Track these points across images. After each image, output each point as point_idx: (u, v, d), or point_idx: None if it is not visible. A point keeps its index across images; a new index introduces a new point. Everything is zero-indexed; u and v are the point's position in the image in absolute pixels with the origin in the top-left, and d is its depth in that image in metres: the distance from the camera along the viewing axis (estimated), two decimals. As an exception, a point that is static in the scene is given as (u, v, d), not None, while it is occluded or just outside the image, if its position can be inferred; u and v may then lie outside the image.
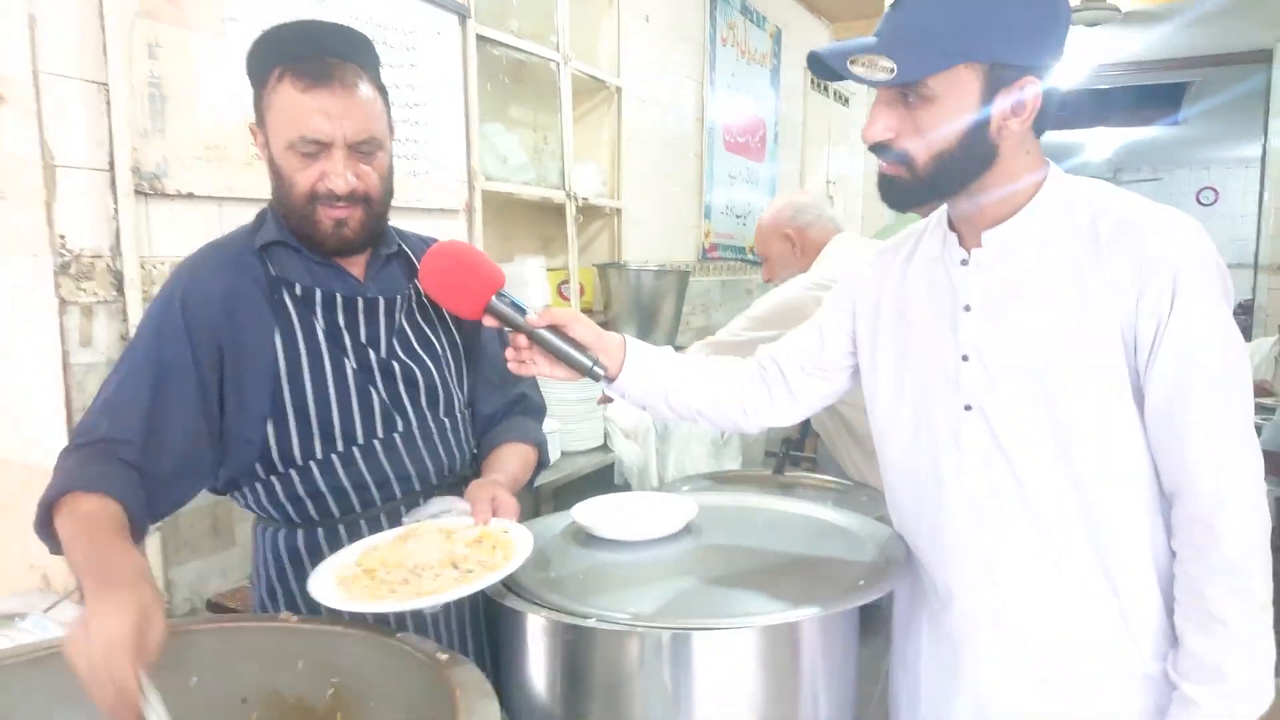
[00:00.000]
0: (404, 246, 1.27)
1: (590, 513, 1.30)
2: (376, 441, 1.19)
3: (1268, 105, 5.75)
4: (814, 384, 1.25)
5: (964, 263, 1.05)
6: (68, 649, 0.79)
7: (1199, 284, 0.92)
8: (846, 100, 5.65)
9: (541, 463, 1.37)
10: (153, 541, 1.69)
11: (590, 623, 0.97)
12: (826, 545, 1.22)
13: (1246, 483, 0.93)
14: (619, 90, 3.23)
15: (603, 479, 2.58)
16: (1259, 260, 5.94)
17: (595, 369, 1.16)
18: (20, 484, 1.62)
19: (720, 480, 2.15)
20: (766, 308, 2.23)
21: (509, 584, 1.05)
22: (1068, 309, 0.97)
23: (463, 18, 2.43)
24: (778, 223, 2.35)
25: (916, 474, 1.12)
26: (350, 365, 1.17)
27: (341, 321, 1.18)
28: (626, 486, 2.60)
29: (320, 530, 1.19)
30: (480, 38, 2.51)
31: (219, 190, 1.77)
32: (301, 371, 1.14)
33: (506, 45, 2.66)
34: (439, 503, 1.17)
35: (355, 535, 1.18)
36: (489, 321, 1.14)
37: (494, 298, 1.12)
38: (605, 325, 1.28)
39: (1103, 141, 9.37)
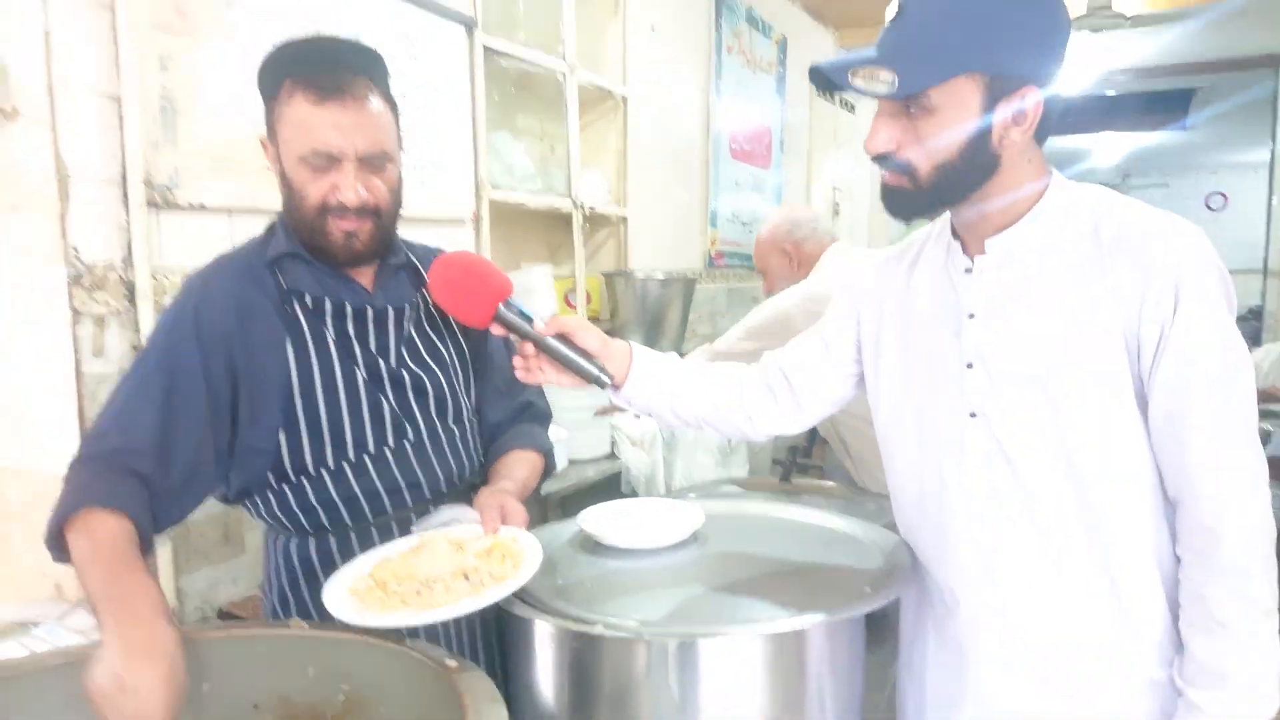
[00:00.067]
0: (412, 257, 1.29)
1: (597, 520, 1.31)
2: (387, 450, 1.20)
3: (1276, 110, 5.74)
4: (818, 392, 1.25)
5: (967, 270, 1.06)
6: (96, 698, 0.81)
7: (1201, 290, 0.93)
8: (852, 107, 5.66)
9: (548, 469, 1.38)
10: (164, 550, 1.71)
11: (597, 630, 0.97)
12: (833, 552, 1.22)
13: (1248, 487, 0.93)
14: (625, 99, 3.25)
15: (610, 487, 2.58)
16: (1268, 265, 5.92)
17: (602, 377, 1.17)
18: (33, 492, 1.63)
19: (727, 488, 2.15)
20: (759, 319, 2.26)
21: (517, 591, 1.06)
22: (1071, 316, 0.98)
23: (470, 29, 2.45)
24: (774, 238, 2.39)
25: (921, 480, 1.13)
26: (361, 375, 1.18)
27: (352, 331, 1.19)
28: (634, 494, 2.60)
29: (332, 538, 1.20)
30: (487, 49, 2.53)
31: (230, 201, 1.79)
32: (314, 381, 1.15)
33: (513, 56, 2.67)
34: (449, 511, 1.18)
35: (367, 543, 1.19)
36: (497, 330, 1.15)
37: (501, 306, 1.13)
38: (611, 333, 1.29)
39: (1111, 147, 9.35)
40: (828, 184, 5.37)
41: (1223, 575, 0.93)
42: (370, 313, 1.20)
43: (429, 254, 1.30)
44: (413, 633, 0.98)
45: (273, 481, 1.17)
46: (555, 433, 1.47)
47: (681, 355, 2.67)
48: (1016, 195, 1.01)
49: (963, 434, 1.06)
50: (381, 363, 1.20)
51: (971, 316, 1.05)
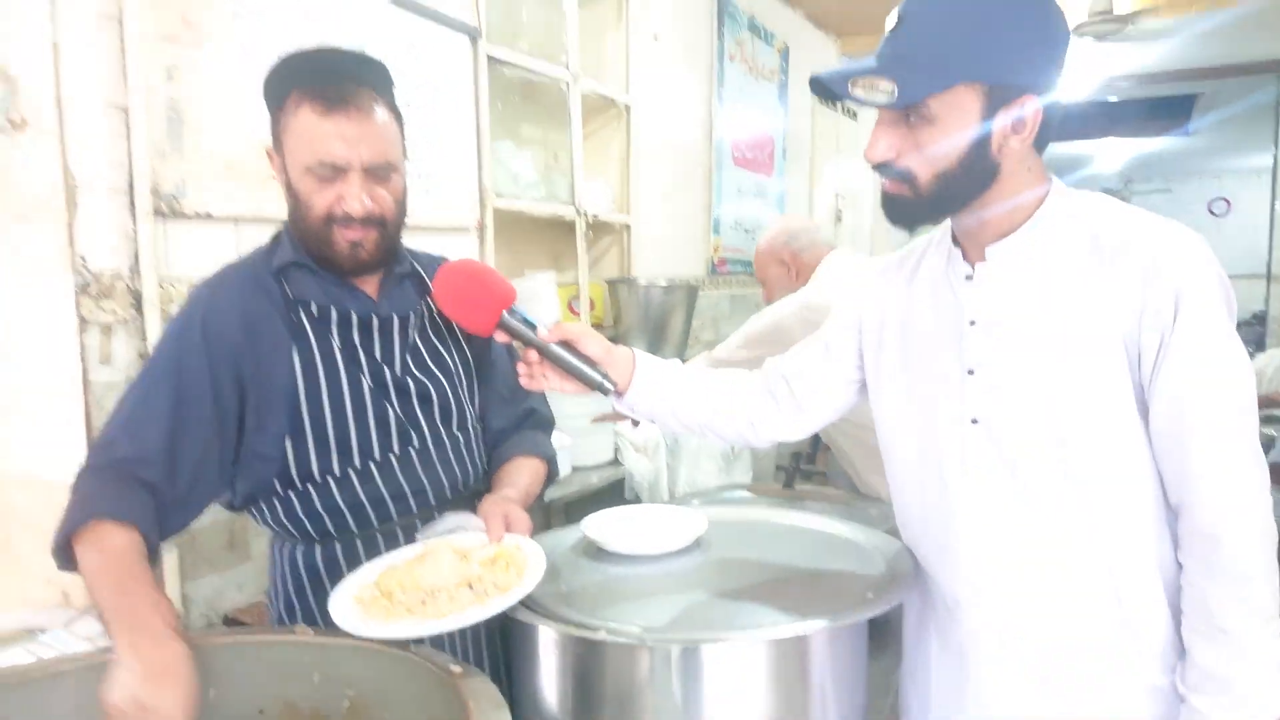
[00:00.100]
0: (416, 265, 1.30)
1: (600, 526, 1.31)
2: (393, 457, 1.21)
3: (1279, 115, 5.73)
4: (820, 399, 1.26)
5: (968, 278, 1.07)
6: (115, 718, 0.84)
7: (1201, 298, 0.93)
8: (855, 114, 5.67)
9: (551, 475, 1.39)
10: (169, 556, 1.71)
11: (601, 636, 0.98)
12: (836, 558, 1.23)
13: (1249, 493, 0.94)
14: (628, 108, 3.26)
15: (614, 493, 2.59)
16: (1271, 270, 5.92)
17: (605, 383, 1.18)
18: (41, 500, 1.64)
19: (730, 494, 2.15)
20: (756, 328, 2.29)
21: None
22: (1071, 323, 0.98)
23: (474, 38, 2.47)
24: (772, 249, 2.42)
25: (923, 487, 1.13)
26: (366, 382, 1.19)
27: (357, 340, 1.20)
28: (637, 500, 2.61)
29: (338, 545, 1.21)
30: (491, 58, 2.54)
31: (236, 210, 1.80)
32: (320, 390, 1.16)
33: (517, 65, 2.69)
34: (453, 519, 1.19)
35: (372, 550, 1.20)
36: (501, 337, 1.16)
37: (505, 313, 1.14)
38: (615, 340, 1.30)
39: (1113, 153, 9.36)
40: (830, 191, 5.38)
41: (1224, 581, 0.94)
42: (375, 321, 1.21)
43: (433, 262, 1.31)
44: (417, 639, 0.99)
45: (279, 488, 1.18)
46: (558, 439, 1.48)
47: (684, 362, 2.68)
48: (1016, 203, 1.02)
49: (964, 440, 1.06)
50: (387, 370, 1.21)
51: (972, 323, 1.06)
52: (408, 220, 1.22)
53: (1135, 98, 6.91)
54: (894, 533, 1.25)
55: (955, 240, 1.10)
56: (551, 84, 2.91)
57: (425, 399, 1.24)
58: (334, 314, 1.18)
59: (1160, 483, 0.99)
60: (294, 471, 1.17)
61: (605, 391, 1.19)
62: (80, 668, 1.00)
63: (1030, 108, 0.96)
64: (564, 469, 2.44)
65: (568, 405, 2.37)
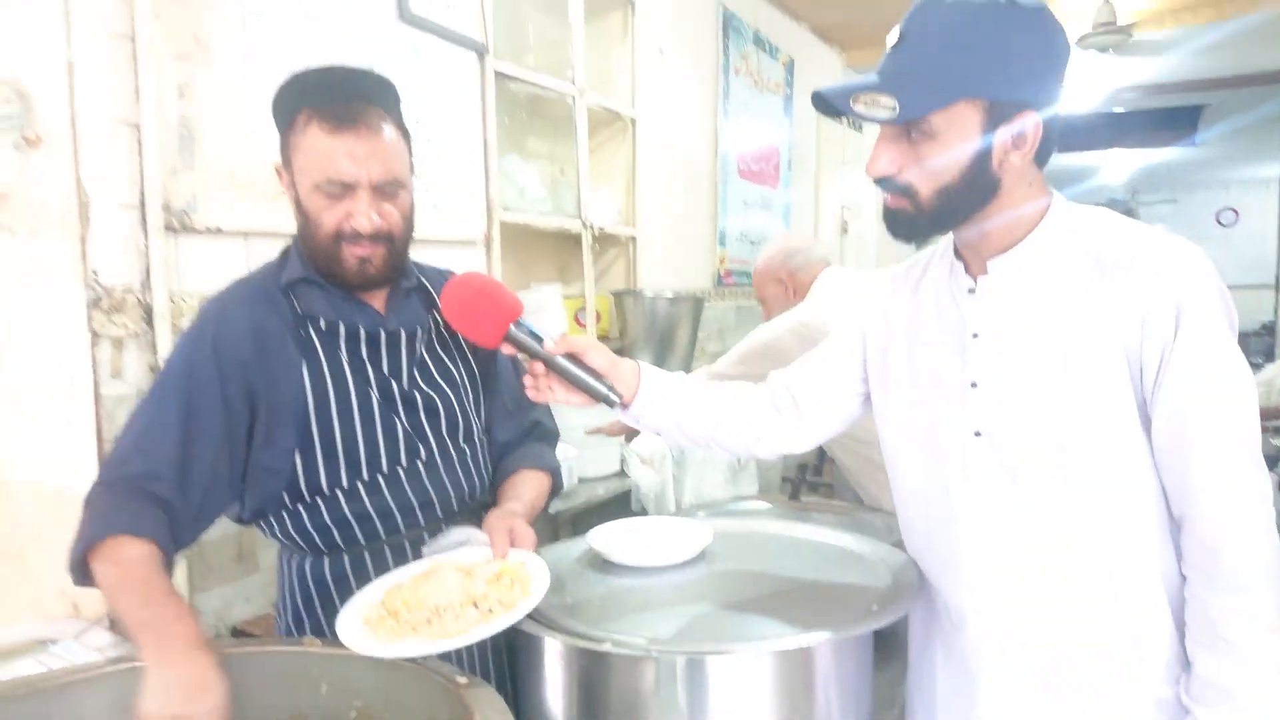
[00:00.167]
0: (423, 279, 1.31)
1: (606, 538, 1.32)
2: (400, 469, 1.22)
3: (1285, 126, 5.73)
4: (825, 410, 1.26)
5: (971, 291, 1.07)
6: None
7: (1202, 311, 0.94)
8: (860, 127, 5.68)
9: (555, 488, 1.40)
10: (179, 568, 1.72)
11: (606, 647, 0.98)
12: (841, 570, 1.23)
13: (1252, 505, 0.94)
14: (633, 121, 3.29)
15: (620, 504, 2.59)
16: (1279, 281, 5.90)
17: (610, 396, 1.18)
18: (51, 512, 1.66)
19: (736, 505, 2.15)
20: (750, 346, 2.32)
21: (526, 609, 1.07)
22: (1073, 336, 0.99)
23: (481, 55, 2.49)
24: (770, 268, 2.46)
25: (927, 498, 1.14)
26: (375, 396, 1.20)
27: (365, 354, 1.21)
28: (644, 512, 2.61)
29: (345, 557, 1.22)
30: (498, 73, 2.57)
31: (246, 225, 1.82)
32: (329, 404, 1.17)
33: (524, 80, 2.72)
34: (459, 533, 1.20)
35: (380, 562, 1.21)
36: (507, 349, 1.17)
37: (512, 326, 1.15)
38: (621, 351, 1.31)
39: (1120, 164, 9.36)
40: (836, 202, 5.39)
41: (1227, 593, 0.94)
42: (383, 336, 1.22)
43: (440, 276, 1.33)
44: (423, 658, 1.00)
45: (287, 502, 1.19)
46: (564, 450, 1.49)
47: (689, 374, 2.69)
48: (1017, 217, 1.03)
49: (967, 452, 1.07)
50: (394, 384, 1.22)
51: (975, 336, 1.06)
52: (416, 234, 1.23)
53: (1142, 109, 6.91)
54: (899, 545, 1.26)
55: (957, 253, 1.10)
56: (558, 98, 2.94)
57: (432, 412, 1.25)
58: (342, 329, 1.19)
59: (1163, 493, 1.00)
60: (303, 485, 1.18)
61: (610, 404, 1.20)
62: (90, 679, 1.01)
63: (1031, 123, 0.97)
64: (570, 481, 2.45)
65: (575, 417, 2.38)
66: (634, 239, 3.34)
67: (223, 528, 1.19)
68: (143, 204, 1.65)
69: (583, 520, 2.37)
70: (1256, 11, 4.28)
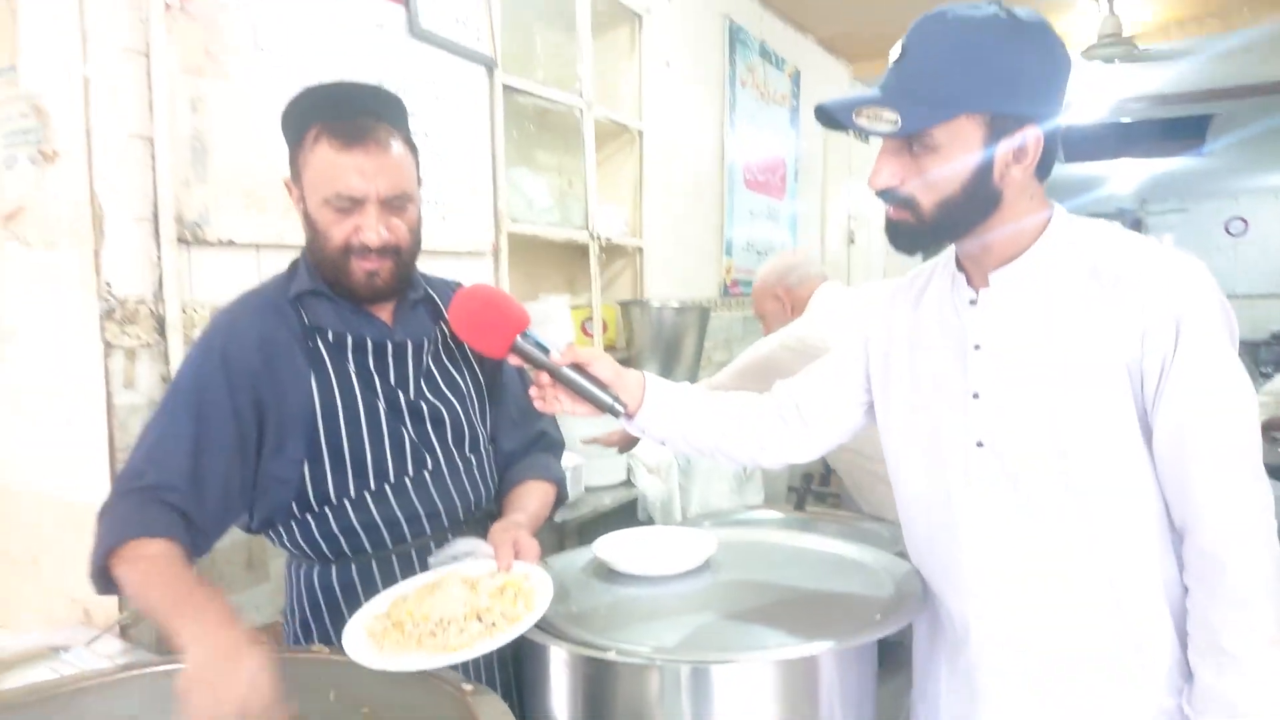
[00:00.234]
0: (430, 291, 1.32)
1: (612, 547, 1.33)
2: (407, 479, 1.23)
3: (1294, 135, 5.72)
4: (829, 421, 1.27)
5: (972, 302, 1.08)
6: (194, 708, 0.86)
7: (1202, 324, 0.95)
8: (866, 138, 5.69)
9: (560, 498, 1.41)
10: (189, 577, 1.74)
11: (611, 656, 0.99)
12: (845, 580, 1.23)
13: (1253, 516, 0.94)
14: (641, 133, 3.31)
15: (626, 514, 2.60)
16: (1290, 291, 5.87)
17: (615, 406, 1.19)
18: (64, 521, 1.68)
19: (741, 515, 2.16)
20: (745, 361, 2.34)
21: (532, 618, 1.08)
22: (1074, 348, 0.99)
23: (490, 69, 2.52)
24: (767, 285, 2.49)
25: (930, 509, 1.14)
26: (382, 407, 1.22)
27: (372, 365, 1.22)
28: (650, 522, 2.61)
29: (353, 566, 1.23)
30: (507, 87, 2.59)
31: (257, 238, 1.84)
32: (337, 414, 1.19)
33: (532, 94, 2.74)
34: (464, 544, 1.20)
35: (387, 570, 1.22)
36: (514, 360, 1.18)
37: (519, 337, 1.16)
38: (627, 361, 1.32)
39: (1128, 174, 9.33)
40: (843, 212, 5.40)
41: (1228, 604, 0.94)
42: (390, 347, 1.23)
43: (446, 286, 1.34)
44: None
45: (296, 511, 1.20)
46: (569, 459, 1.50)
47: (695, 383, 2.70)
48: (1018, 229, 1.03)
49: (969, 463, 1.08)
50: (401, 395, 1.24)
51: (977, 348, 1.07)
52: (425, 244, 1.25)
53: (1149, 119, 6.90)
54: (903, 555, 1.26)
55: (959, 265, 1.11)
56: (566, 111, 2.96)
57: (439, 422, 1.26)
58: (350, 340, 1.21)
59: (1164, 505, 1.00)
60: (311, 494, 1.19)
61: (615, 414, 1.21)
62: (101, 686, 1.02)
63: (1032, 136, 0.98)
64: (577, 490, 2.46)
65: (581, 427, 2.39)
66: (641, 250, 3.36)
67: (232, 536, 1.21)
68: (156, 216, 1.67)
69: (589, 529, 2.38)
70: (1262, 23, 4.28)
